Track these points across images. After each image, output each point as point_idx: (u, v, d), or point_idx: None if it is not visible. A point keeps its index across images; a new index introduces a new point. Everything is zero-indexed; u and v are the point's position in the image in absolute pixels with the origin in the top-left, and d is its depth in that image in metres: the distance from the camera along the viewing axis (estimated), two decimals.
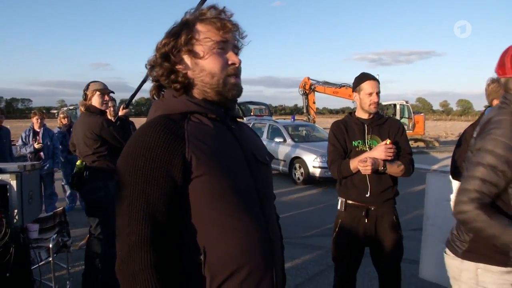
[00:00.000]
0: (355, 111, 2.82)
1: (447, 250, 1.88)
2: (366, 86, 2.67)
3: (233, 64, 1.18)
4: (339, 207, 2.77)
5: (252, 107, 18.98)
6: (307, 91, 22.51)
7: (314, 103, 22.95)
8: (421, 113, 23.52)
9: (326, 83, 22.26)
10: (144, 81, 3.19)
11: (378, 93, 2.68)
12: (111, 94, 3.73)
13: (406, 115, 20.68)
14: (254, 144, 1.27)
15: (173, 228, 1.08)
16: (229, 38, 1.18)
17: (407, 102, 21.55)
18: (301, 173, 9.89)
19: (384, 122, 2.76)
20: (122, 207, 1.05)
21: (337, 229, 2.77)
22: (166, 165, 1.02)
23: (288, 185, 9.79)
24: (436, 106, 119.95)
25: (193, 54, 1.17)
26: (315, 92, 22.66)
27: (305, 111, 23.10)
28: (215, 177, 1.05)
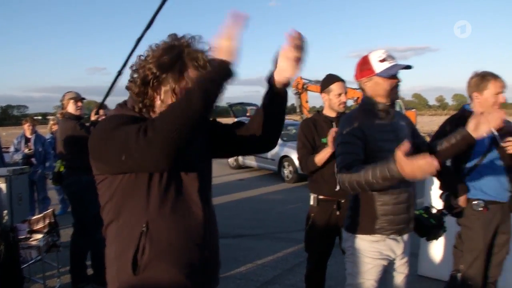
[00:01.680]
0: (323, 110, 3.04)
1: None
2: (335, 87, 2.88)
3: None
4: (312, 203, 3.00)
5: (248, 108, 19.20)
6: (300, 91, 22.68)
7: (307, 102, 23.06)
8: (412, 109, 23.73)
9: (318, 81, 22.39)
10: (112, 86, 3.21)
11: (346, 94, 2.91)
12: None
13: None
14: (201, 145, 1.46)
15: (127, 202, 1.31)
16: None
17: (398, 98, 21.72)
18: (290, 171, 10.09)
19: None
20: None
21: (310, 223, 3.00)
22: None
23: (277, 183, 9.99)
24: (432, 101, 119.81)
25: (173, 93, 1.28)
26: (308, 92, 22.84)
27: (298, 110, 23.27)
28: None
